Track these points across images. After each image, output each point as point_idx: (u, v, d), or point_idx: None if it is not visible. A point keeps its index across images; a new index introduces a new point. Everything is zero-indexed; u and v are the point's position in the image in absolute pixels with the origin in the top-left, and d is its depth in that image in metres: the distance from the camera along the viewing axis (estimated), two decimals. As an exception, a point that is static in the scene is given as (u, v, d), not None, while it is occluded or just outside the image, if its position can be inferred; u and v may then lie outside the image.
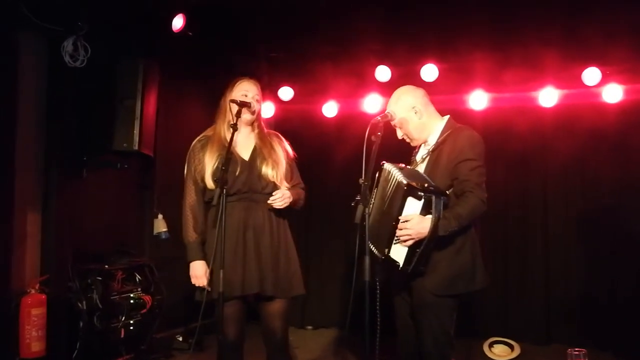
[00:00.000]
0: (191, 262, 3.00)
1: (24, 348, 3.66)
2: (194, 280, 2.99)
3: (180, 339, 5.12)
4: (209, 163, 2.98)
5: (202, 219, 3.05)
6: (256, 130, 3.13)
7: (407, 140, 3.03)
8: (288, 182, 3.08)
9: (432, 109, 2.99)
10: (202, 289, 2.98)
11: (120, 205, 4.88)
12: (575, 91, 5.21)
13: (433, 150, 2.91)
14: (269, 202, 2.94)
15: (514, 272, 5.53)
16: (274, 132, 3.22)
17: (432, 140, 2.95)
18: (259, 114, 3.15)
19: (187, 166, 3.10)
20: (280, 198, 2.94)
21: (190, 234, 3.02)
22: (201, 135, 3.15)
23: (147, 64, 4.36)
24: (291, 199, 2.99)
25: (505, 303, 5.52)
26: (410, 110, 2.93)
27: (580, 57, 4.96)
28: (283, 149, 3.14)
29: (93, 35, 3.93)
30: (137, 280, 4.62)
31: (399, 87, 3.08)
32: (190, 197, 3.06)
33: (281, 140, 3.19)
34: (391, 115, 2.89)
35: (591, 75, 4.96)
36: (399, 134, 3.02)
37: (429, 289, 2.77)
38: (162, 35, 4.68)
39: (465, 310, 4.76)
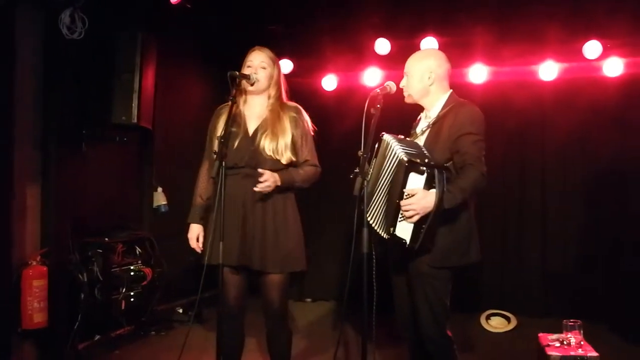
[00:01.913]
0: (188, 223, 3.11)
1: (25, 319, 3.70)
2: (189, 241, 3.10)
3: (181, 311, 5.18)
4: (219, 134, 2.97)
5: (213, 186, 3.04)
6: (271, 100, 3.07)
7: (405, 93, 2.99)
8: (295, 157, 3.01)
9: (445, 84, 2.97)
10: (200, 254, 3.03)
11: (119, 178, 4.89)
12: (575, 65, 5.18)
13: (434, 124, 2.89)
14: (255, 189, 2.89)
15: (512, 245, 5.57)
16: (294, 104, 3.12)
17: (434, 113, 2.94)
18: (277, 82, 3.08)
19: (208, 134, 3.14)
20: (261, 185, 2.86)
21: (196, 198, 3.13)
22: (224, 104, 3.11)
23: (145, 37, 4.33)
24: (274, 184, 2.90)
25: (503, 276, 5.57)
26: (426, 71, 2.91)
27: (581, 30, 4.93)
28: (294, 122, 3.04)
29: (91, 7, 3.88)
30: (138, 253, 4.67)
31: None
32: (205, 164, 3.14)
33: (299, 113, 3.08)
34: (390, 88, 2.87)
35: (592, 48, 4.93)
36: (402, 83, 2.99)
37: (424, 261, 2.78)
38: (161, 8, 4.65)
39: (463, 283, 4.80)
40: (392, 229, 2.69)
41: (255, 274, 3.04)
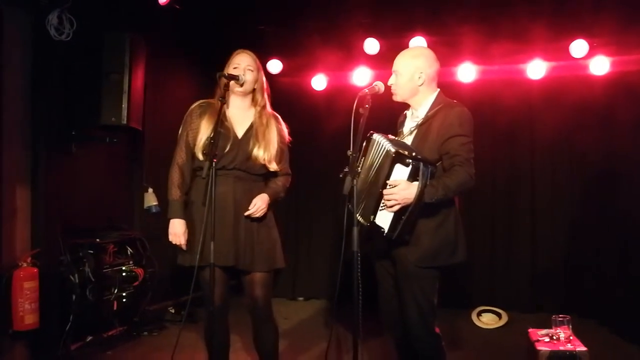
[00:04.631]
0: (171, 219, 3.05)
1: (17, 321, 3.69)
2: (171, 237, 3.04)
3: (173, 311, 5.18)
4: (204, 132, 2.98)
5: (188, 181, 3.08)
6: (258, 108, 3.12)
7: (393, 90, 3.00)
8: (277, 165, 3.09)
9: (434, 84, 2.98)
10: (183, 252, 3.03)
11: (109, 179, 4.89)
12: (562, 63, 5.23)
13: (422, 124, 2.90)
14: (245, 214, 2.98)
15: (502, 242, 5.62)
16: (273, 112, 3.20)
17: (422, 112, 2.94)
18: (261, 88, 3.12)
19: (183, 127, 3.11)
20: (254, 212, 2.99)
21: (175, 192, 3.05)
22: (203, 100, 3.14)
23: (134, 38, 4.32)
24: (267, 205, 3.05)
25: (493, 273, 5.62)
26: (416, 71, 2.91)
27: (568, 29, 4.99)
28: (277, 131, 3.12)
29: (79, 8, 3.88)
30: (129, 253, 4.67)
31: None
32: (181, 157, 3.08)
33: (279, 122, 3.17)
34: (378, 88, 2.89)
35: (578, 47, 4.99)
36: (391, 81, 3.00)
37: (411, 260, 2.81)
38: (149, 9, 4.64)
39: (454, 281, 4.85)
40: (372, 217, 2.75)
41: (237, 273, 3.07)
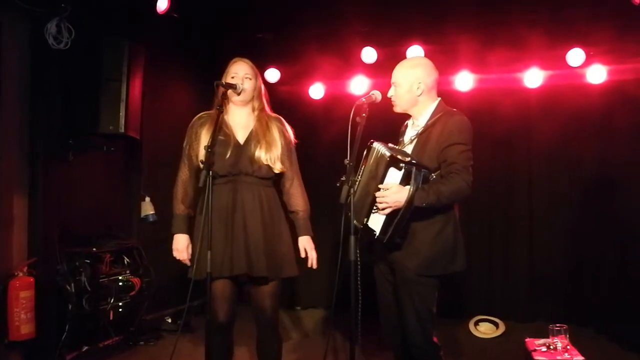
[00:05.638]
0: (175, 234, 3.05)
1: (12, 330, 3.68)
2: (175, 253, 3.04)
3: (169, 320, 5.17)
4: (203, 142, 2.97)
5: (192, 195, 3.07)
6: (256, 112, 3.11)
7: (393, 102, 3.03)
8: (284, 166, 3.07)
9: (434, 92, 3.01)
10: (191, 266, 3.01)
11: (107, 188, 4.88)
12: (559, 72, 5.24)
13: (422, 133, 2.92)
14: (308, 265, 3.10)
15: (499, 251, 5.60)
16: (277, 115, 3.18)
17: (422, 122, 2.96)
18: (259, 94, 3.11)
19: (185, 141, 3.11)
20: (312, 263, 3.13)
21: (178, 207, 3.06)
22: (203, 113, 3.14)
23: (132, 46, 4.34)
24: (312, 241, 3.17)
25: (491, 282, 5.60)
26: (415, 82, 2.93)
27: (565, 38, 5.00)
28: (280, 132, 3.09)
29: (77, 17, 3.89)
30: (126, 262, 4.65)
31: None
32: (184, 172, 3.08)
33: (283, 124, 3.15)
34: (375, 97, 2.91)
35: (575, 56, 5.00)
36: (390, 92, 3.02)
37: (410, 268, 2.82)
38: (147, 17, 4.65)
39: (452, 290, 4.82)
40: (365, 220, 2.79)
41: (245, 283, 3.04)
